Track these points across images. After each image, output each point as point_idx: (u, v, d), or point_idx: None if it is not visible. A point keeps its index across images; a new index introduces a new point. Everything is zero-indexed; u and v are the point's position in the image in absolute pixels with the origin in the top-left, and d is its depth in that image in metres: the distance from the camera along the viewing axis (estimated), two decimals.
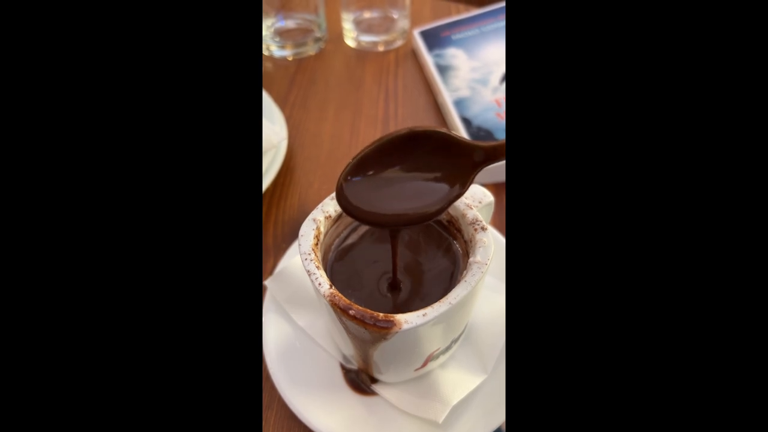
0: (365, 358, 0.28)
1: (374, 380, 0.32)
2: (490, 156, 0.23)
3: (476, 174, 0.24)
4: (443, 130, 0.24)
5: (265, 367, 0.32)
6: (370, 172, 0.24)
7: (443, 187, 0.25)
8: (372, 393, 0.32)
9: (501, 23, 0.61)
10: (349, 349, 0.30)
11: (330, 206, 0.29)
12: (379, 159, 0.24)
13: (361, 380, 0.32)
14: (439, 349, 0.29)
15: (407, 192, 0.24)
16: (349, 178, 0.24)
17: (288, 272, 0.36)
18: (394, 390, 0.31)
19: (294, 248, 0.39)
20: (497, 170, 0.46)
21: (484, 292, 0.35)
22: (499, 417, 0.29)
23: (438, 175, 0.24)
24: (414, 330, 0.24)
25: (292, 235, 0.44)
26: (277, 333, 0.34)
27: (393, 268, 0.29)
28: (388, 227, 0.26)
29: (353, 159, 0.24)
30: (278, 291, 0.35)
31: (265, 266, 0.42)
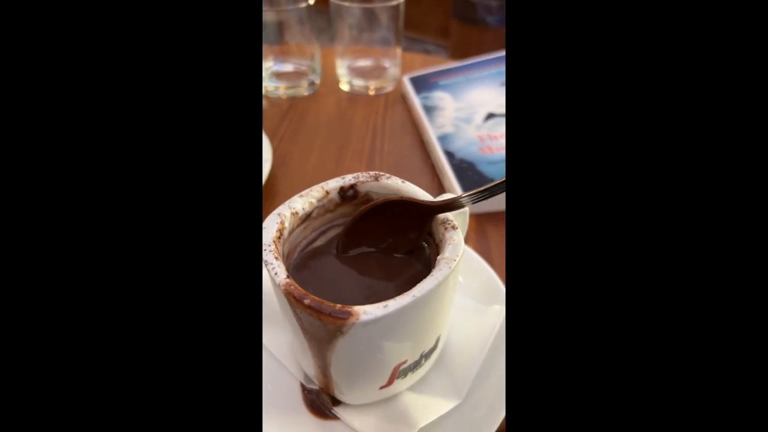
0: (324, 368, 0.26)
1: (337, 402, 0.29)
2: (439, 209, 0.27)
3: (430, 221, 0.28)
4: (399, 197, 0.28)
5: None
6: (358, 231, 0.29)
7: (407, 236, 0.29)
8: (333, 417, 0.28)
9: (486, 72, 0.64)
10: (308, 362, 0.27)
11: (298, 203, 0.28)
12: (362, 220, 0.29)
13: (321, 402, 0.29)
14: (406, 362, 0.26)
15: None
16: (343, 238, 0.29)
17: None
18: (357, 413, 0.28)
19: None
20: (496, 201, 0.46)
21: (461, 314, 0.33)
22: None
23: (403, 227, 0.28)
24: (374, 325, 0.22)
25: None
26: None
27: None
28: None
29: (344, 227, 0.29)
30: None
31: None
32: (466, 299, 0.34)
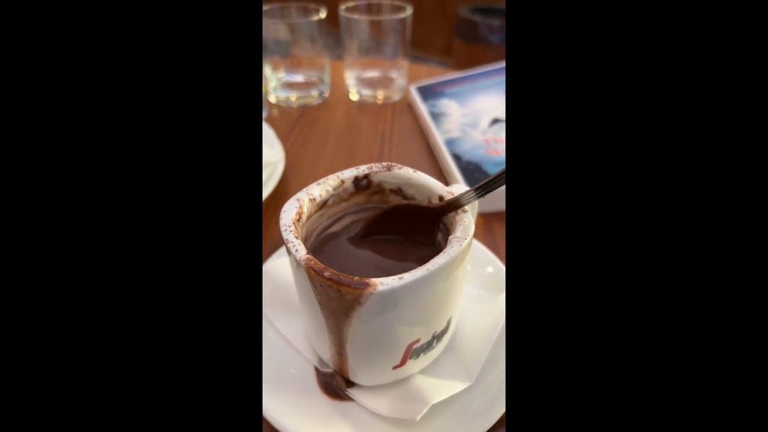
0: (340, 346, 0.27)
1: (350, 384, 0.30)
2: (444, 210, 0.28)
3: (438, 223, 0.29)
4: (407, 202, 0.30)
5: None
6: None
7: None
8: (347, 398, 0.29)
9: (490, 81, 0.66)
10: (323, 344, 0.28)
11: (315, 190, 0.30)
12: (374, 225, 0.30)
13: (336, 384, 0.30)
14: (419, 341, 0.27)
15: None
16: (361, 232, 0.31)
17: (268, 273, 0.35)
18: (371, 395, 0.29)
19: (276, 254, 0.38)
20: (502, 200, 0.47)
21: (470, 302, 0.34)
22: (483, 425, 0.27)
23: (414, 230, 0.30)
24: (390, 295, 0.23)
25: (279, 255, 0.44)
26: None
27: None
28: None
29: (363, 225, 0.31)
30: None
31: None
32: (474, 288, 0.36)
